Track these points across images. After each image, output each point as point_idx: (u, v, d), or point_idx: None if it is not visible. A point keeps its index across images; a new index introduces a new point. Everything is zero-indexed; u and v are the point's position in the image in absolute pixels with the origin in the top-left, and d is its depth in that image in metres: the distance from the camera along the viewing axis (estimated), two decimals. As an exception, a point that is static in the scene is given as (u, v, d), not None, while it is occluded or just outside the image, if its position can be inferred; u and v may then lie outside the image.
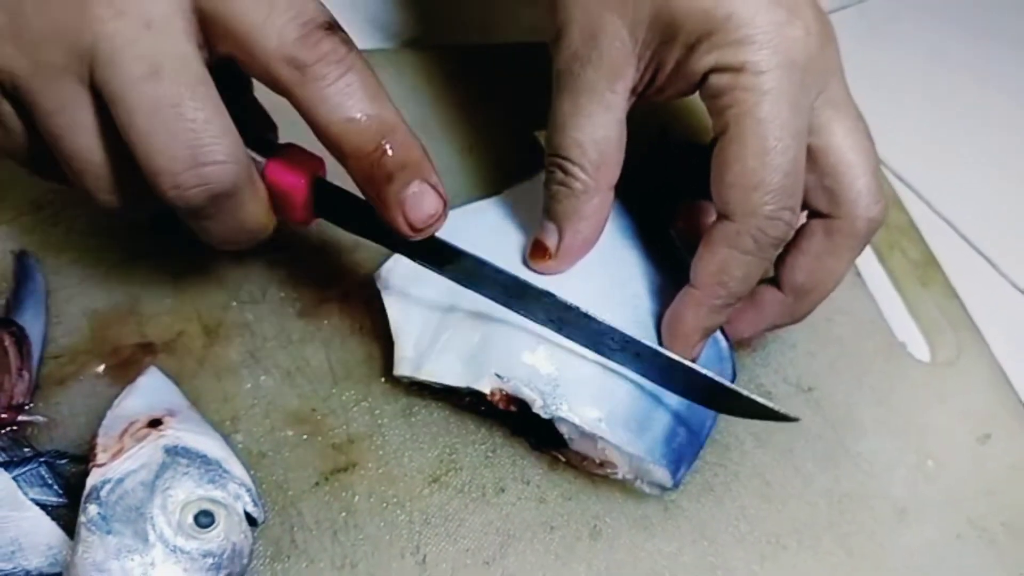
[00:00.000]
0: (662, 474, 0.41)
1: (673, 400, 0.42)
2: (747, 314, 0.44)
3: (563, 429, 0.41)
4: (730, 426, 0.46)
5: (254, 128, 0.36)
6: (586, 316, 0.40)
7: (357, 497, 0.40)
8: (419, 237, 0.37)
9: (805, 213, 0.43)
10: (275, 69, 0.34)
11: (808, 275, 0.43)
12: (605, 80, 0.42)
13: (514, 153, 0.53)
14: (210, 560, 0.35)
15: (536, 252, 0.44)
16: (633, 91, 0.42)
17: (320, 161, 0.39)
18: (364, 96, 0.35)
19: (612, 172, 0.43)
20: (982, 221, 0.62)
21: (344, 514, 0.40)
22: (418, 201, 0.36)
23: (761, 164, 0.39)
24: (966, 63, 0.74)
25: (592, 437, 0.40)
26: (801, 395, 0.48)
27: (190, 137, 0.33)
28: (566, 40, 0.42)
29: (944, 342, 0.53)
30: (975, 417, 0.50)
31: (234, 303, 0.45)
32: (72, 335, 0.43)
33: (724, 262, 0.40)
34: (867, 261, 0.56)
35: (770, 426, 0.46)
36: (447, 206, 0.37)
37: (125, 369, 0.42)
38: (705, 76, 0.40)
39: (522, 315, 0.41)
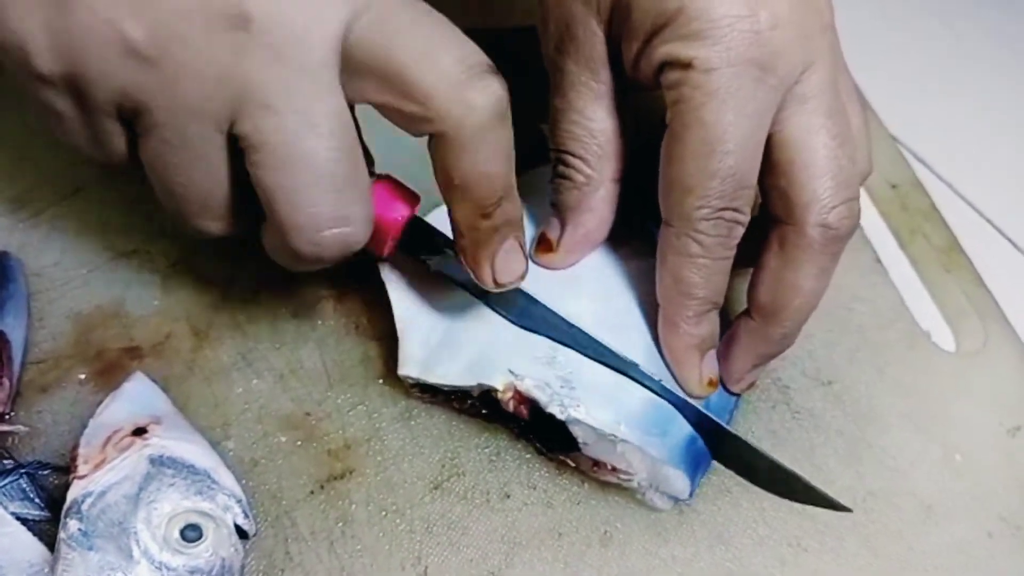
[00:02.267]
0: (680, 480, 0.39)
1: (692, 410, 0.40)
2: (728, 350, 0.41)
3: (577, 432, 0.39)
4: (747, 423, 0.44)
5: None
6: (611, 352, 0.40)
7: (354, 505, 0.39)
8: (498, 291, 0.37)
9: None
10: (438, 105, 0.33)
11: (769, 293, 0.39)
12: (587, 71, 0.41)
13: (516, 140, 0.51)
14: (198, 576, 0.34)
15: (540, 246, 0.43)
16: (619, 79, 0.41)
17: (417, 197, 0.38)
18: (505, 155, 0.35)
19: (615, 164, 0.41)
20: (1007, 203, 0.59)
21: (341, 524, 0.38)
22: (509, 257, 0.37)
23: (697, 168, 0.37)
24: (988, 40, 0.71)
25: (610, 440, 0.38)
26: (820, 388, 0.46)
27: (340, 197, 0.33)
28: (547, 34, 0.42)
29: (970, 330, 0.51)
30: (1004, 408, 0.47)
31: (224, 303, 0.43)
32: (55, 339, 0.41)
33: (677, 271, 0.39)
34: (888, 247, 0.53)
35: (788, 424, 0.44)
36: (527, 269, 0.38)
37: (110, 374, 0.40)
38: (661, 70, 0.38)
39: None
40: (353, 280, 0.44)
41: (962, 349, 0.50)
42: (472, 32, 0.56)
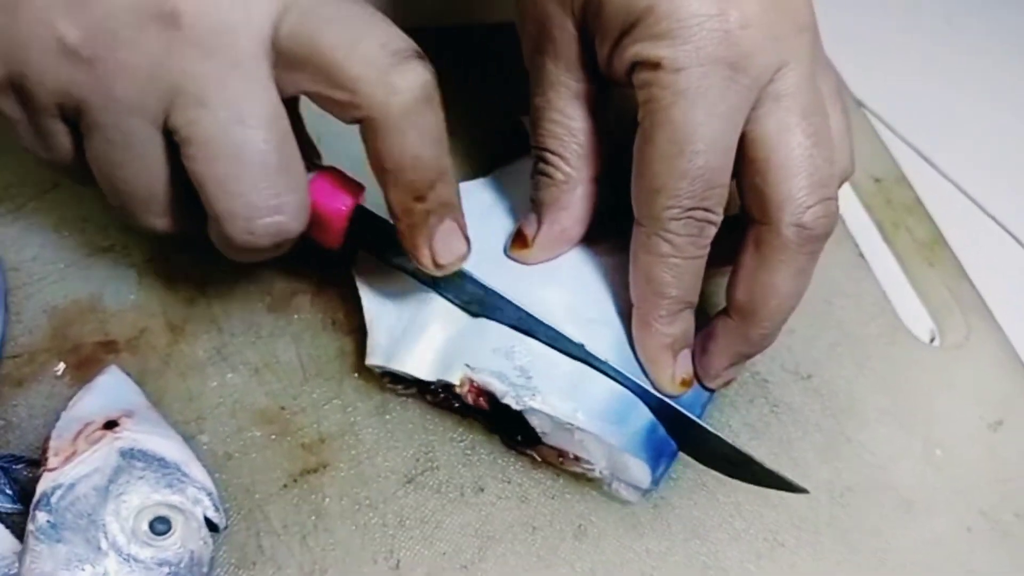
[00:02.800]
0: (640, 469, 0.38)
1: (654, 399, 0.40)
2: (706, 347, 0.41)
3: (535, 422, 0.38)
4: (724, 417, 0.44)
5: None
6: (562, 336, 0.40)
7: (328, 499, 0.38)
8: (440, 273, 0.38)
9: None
10: (363, 90, 0.33)
11: (745, 293, 0.39)
12: (564, 71, 0.41)
13: (496, 136, 0.51)
14: (166, 569, 0.34)
15: (516, 241, 0.43)
16: (597, 78, 0.41)
17: (361, 187, 0.39)
18: (435, 138, 0.35)
19: (594, 163, 0.42)
20: (1001, 191, 0.59)
21: (314, 517, 0.38)
22: (448, 238, 0.37)
23: (666, 168, 0.36)
24: (978, 22, 0.71)
25: (568, 428, 0.38)
26: (799, 382, 0.46)
27: (270, 186, 0.34)
28: (526, 34, 0.42)
29: (952, 324, 0.50)
30: (986, 402, 0.47)
31: (200, 298, 0.43)
32: (32, 334, 0.41)
33: (649, 271, 0.38)
34: (871, 241, 0.53)
35: (766, 416, 0.44)
36: (469, 251, 0.38)
37: (86, 368, 0.40)
38: (632, 69, 0.38)
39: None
40: (329, 275, 0.44)
41: (945, 343, 0.50)
42: (452, 29, 0.57)
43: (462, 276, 0.40)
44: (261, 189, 0.34)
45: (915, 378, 0.47)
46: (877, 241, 0.54)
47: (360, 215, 0.38)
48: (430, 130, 0.34)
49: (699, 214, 0.37)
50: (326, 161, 0.40)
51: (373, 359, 0.40)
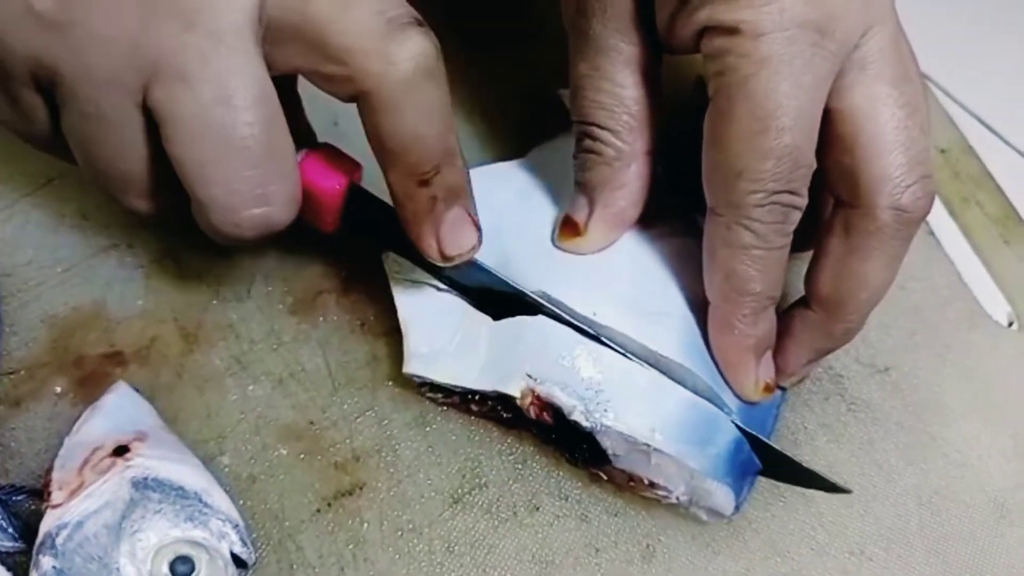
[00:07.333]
0: (724, 494, 0.35)
1: (735, 407, 0.36)
2: (783, 345, 0.37)
3: (607, 443, 0.35)
4: (798, 418, 0.40)
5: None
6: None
7: (366, 524, 0.35)
8: (447, 265, 0.35)
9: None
10: (356, 62, 0.31)
11: (832, 283, 0.35)
12: (616, 33, 0.36)
13: (529, 114, 0.47)
14: (190, 616, 0.30)
15: (565, 230, 0.39)
16: (651, 41, 0.36)
17: (357, 165, 0.36)
18: (439, 115, 0.32)
19: (648, 135, 0.37)
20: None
21: (352, 546, 0.35)
22: (456, 228, 0.34)
23: (748, 148, 0.32)
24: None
25: (644, 451, 0.34)
26: (877, 376, 0.42)
27: (258, 174, 0.31)
28: None
29: (1034, 306, 0.47)
30: (1077, 392, 0.43)
31: (215, 301, 0.40)
32: (29, 347, 0.38)
33: (729, 266, 0.34)
34: (941, 218, 0.49)
35: (844, 416, 0.41)
36: (481, 241, 0.35)
37: (91, 385, 0.37)
38: (701, 34, 0.34)
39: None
40: (357, 271, 0.41)
41: (1026, 327, 0.46)
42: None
43: (473, 265, 0.36)
44: (246, 177, 0.31)
45: (999, 367, 0.44)
46: (945, 217, 0.50)
47: (356, 196, 0.35)
48: (432, 106, 0.32)
49: (785, 198, 0.33)
50: (347, 144, 0.36)
51: (411, 368, 0.37)
